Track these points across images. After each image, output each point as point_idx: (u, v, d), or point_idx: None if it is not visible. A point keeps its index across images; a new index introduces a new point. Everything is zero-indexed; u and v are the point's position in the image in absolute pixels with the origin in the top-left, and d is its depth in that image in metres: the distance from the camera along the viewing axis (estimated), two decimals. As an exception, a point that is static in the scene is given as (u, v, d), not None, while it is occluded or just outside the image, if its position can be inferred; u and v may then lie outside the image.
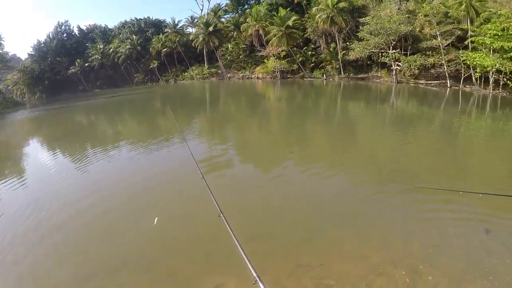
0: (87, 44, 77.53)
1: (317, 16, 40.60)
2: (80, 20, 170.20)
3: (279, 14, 44.15)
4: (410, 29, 35.13)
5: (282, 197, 7.28)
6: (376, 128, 16.18)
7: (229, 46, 52.40)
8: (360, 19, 38.04)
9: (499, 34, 29.93)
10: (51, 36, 77.29)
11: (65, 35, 78.84)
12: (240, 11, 57.82)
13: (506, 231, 5.56)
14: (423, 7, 35.30)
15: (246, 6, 57.43)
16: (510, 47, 29.37)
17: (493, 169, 9.46)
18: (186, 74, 60.58)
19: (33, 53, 75.54)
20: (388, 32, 34.83)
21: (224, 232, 2.87)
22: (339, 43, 40.28)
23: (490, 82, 31.96)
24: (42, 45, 75.89)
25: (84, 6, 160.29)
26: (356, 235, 5.49)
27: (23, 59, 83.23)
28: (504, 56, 29.79)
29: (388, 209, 6.45)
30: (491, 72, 31.27)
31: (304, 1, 47.25)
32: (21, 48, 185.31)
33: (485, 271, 4.49)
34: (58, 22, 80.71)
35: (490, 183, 7.89)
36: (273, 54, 42.67)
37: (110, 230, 7.02)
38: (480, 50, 31.82)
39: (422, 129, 15.40)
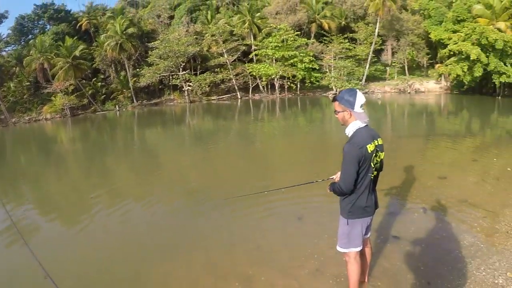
0: None
1: (105, 44, 37.93)
2: None
3: (65, 44, 39.68)
4: (198, 49, 36.19)
5: (98, 247, 6.44)
6: (177, 150, 15.88)
7: (11, 85, 44.29)
8: (149, 44, 37.32)
9: (280, 45, 33.92)
10: None
11: None
12: (23, 43, 49.68)
13: (314, 213, 6.06)
14: (209, 27, 36.97)
15: (30, 36, 49.75)
16: (290, 55, 33.49)
17: (291, 163, 10.48)
18: (-40, 124, 48.53)
19: None
20: (177, 55, 34.97)
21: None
22: (129, 70, 38.44)
23: (276, 88, 36.00)
24: None
25: None
26: (181, 263, 5.15)
27: None
28: (286, 63, 34.01)
29: (204, 228, 6.33)
30: (276, 79, 35.14)
31: (93, 29, 43.95)
32: None
33: (308, 252, 4.70)
34: None
35: (290, 176, 8.52)
36: (60, 90, 37.64)
37: None
38: (264, 61, 35.39)
39: (221, 142, 16.05)
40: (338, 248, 3.32)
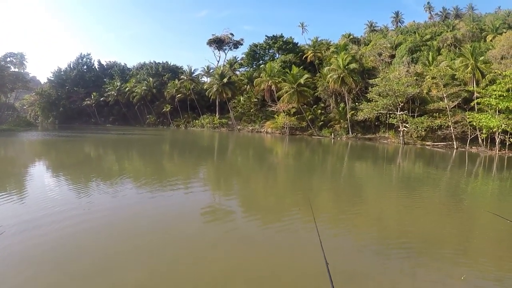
0: (105, 80, 79.52)
1: (328, 76, 42.06)
2: (102, 54, 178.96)
3: (291, 72, 45.86)
4: (418, 91, 35.93)
5: (286, 255, 7.38)
6: (383, 189, 16.17)
7: (241, 98, 53.92)
8: (369, 80, 39.26)
9: (504, 95, 30.15)
10: (71, 66, 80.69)
11: (85, 67, 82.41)
12: (254, 66, 60.43)
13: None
14: (430, 69, 36.31)
15: (261, 61, 60.18)
16: (515, 107, 29.56)
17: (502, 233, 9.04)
18: (197, 121, 61.92)
19: (52, 78, 78.55)
20: (396, 94, 35.62)
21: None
22: (348, 103, 41.04)
23: (496, 143, 31.76)
24: (62, 73, 78.95)
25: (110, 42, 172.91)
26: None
27: (42, 82, 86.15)
28: (510, 116, 29.98)
29: (392, 273, 6.52)
30: (497, 133, 31.29)
31: (317, 61, 49.25)
32: (40, 71, 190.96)
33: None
34: (81, 53, 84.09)
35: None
36: (283, 110, 43.59)
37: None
38: (486, 111, 32.00)
39: (428, 192, 15.35)
40: None
